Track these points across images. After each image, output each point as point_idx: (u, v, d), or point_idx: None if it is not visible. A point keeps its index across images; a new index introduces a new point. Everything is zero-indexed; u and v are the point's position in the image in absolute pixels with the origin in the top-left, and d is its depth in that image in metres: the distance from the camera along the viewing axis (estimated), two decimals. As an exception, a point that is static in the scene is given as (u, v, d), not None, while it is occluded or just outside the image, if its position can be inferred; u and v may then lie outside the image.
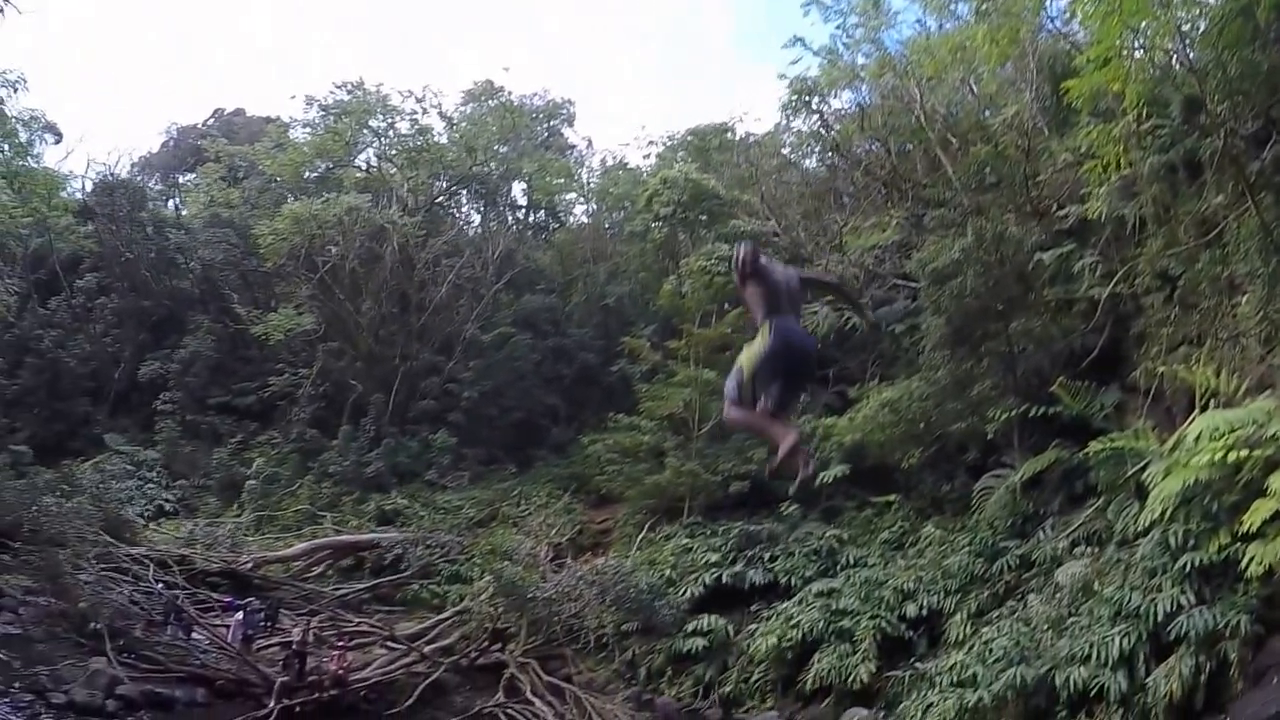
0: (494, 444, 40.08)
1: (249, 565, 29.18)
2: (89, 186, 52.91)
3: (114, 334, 48.20)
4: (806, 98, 33.37)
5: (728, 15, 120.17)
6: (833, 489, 28.10)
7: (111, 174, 52.78)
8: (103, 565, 24.09)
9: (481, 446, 39.78)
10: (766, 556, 26.13)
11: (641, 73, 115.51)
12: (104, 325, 48.34)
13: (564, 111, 53.64)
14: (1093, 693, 15.62)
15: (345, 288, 40.33)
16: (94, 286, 49.31)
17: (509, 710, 21.43)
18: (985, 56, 26.16)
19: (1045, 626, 17.83)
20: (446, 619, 26.44)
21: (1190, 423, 16.73)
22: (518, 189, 52.93)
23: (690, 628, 24.21)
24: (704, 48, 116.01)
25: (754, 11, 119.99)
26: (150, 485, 39.31)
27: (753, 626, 23.88)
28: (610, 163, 54.49)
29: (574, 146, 55.42)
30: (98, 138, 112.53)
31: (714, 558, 26.43)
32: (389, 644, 24.77)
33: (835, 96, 34.21)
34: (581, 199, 55.36)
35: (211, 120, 68.05)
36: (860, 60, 32.19)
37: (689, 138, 46.61)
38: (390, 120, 46.16)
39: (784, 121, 39.36)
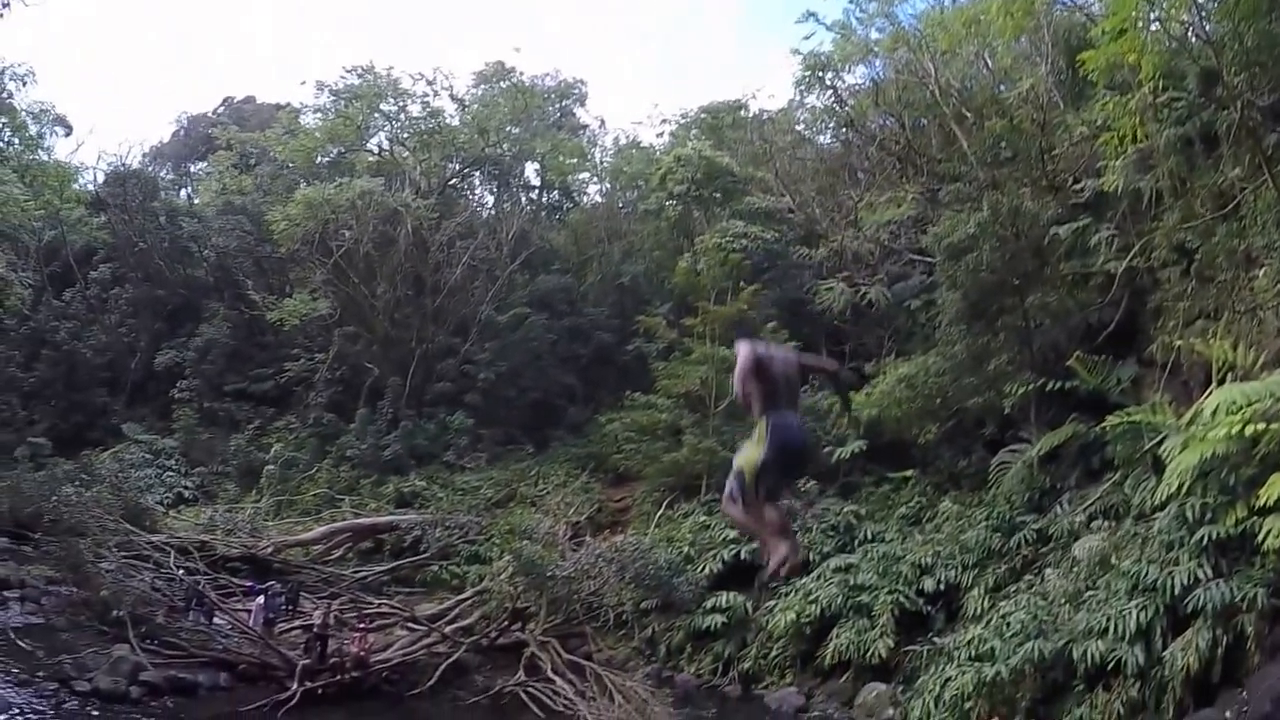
0: (511, 424, 40.19)
1: (269, 550, 29.40)
2: (100, 178, 53.37)
3: (129, 324, 48.57)
4: (820, 73, 33.15)
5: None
6: (850, 465, 28.19)
7: (123, 165, 53.13)
8: (124, 553, 24.20)
9: (499, 427, 39.91)
10: (784, 533, 26.15)
11: (653, 51, 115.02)
12: (119, 315, 48.70)
13: (576, 91, 53.42)
14: (1110, 666, 15.70)
15: (360, 272, 40.43)
16: (108, 277, 49.67)
17: (530, 689, 21.38)
18: (1000, 30, 25.94)
19: (1062, 600, 17.93)
20: (466, 599, 26.55)
21: (1207, 396, 16.68)
22: (531, 169, 52.90)
23: (709, 604, 24.30)
24: (716, 24, 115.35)
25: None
26: (169, 473, 39.73)
27: (771, 603, 23.90)
28: (623, 142, 54.37)
29: (586, 126, 55.29)
30: (108, 129, 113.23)
31: (732, 535, 26.23)
32: (410, 625, 24.90)
33: (849, 72, 34.03)
34: (595, 178, 55.22)
35: (222, 108, 68.27)
36: (874, 35, 31.98)
37: (702, 115, 46.40)
38: (401, 104, 46.10)
39: (797, 98, 39.16)
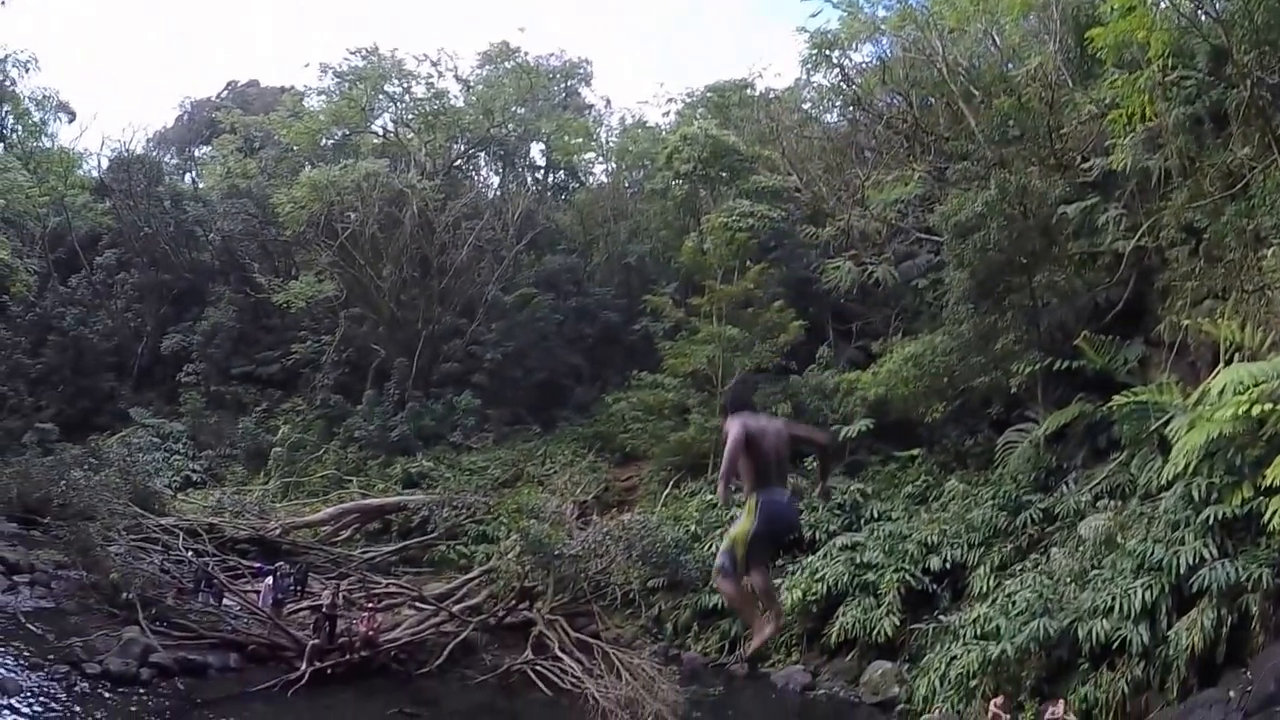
0: (518, 404, 40.24)
1: (277, 531, 29.48)
2: (104, 164, 53.31)
3: (135, 309, 48.66)
4: (827, 52, 32.99)
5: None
6: (856, 444, 28.18)
7: (127, 150, 52.98)
8: (132, 536, 24.25)
9: (505, 407, 39.97)
10: (788, 512, 26.19)
11: (659, 30, 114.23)
12: (125, 300, 48.79)
13: (581, 71, 53.18)
14: (1115, 645, 15.83)
15: (365, 253, 40.39)
16: (113, 263, 49.70)
17: (538, 667, 21.43)
18: (1008, 7, 25.86)
19: (1068, 579, 18.00)
20: (474, 579, 26.60)
21: (1214, 376, 16.69)
22: (536, 150, 52.74)
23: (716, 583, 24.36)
24: (722, 3, 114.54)
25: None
26: (177, 456, 39.92)
27: (777, 581, 23.97)
28: (629, 121, 54.10)
29: (592, 106, 55.00)
30: (112, 115, 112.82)
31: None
32: (418, 605, 24.93)
33: (856, 50, 33.83)
34: (601, 158, 54.98)
35: (225, 93, 68.17)
36: (881, 13, 31.82)
37: (708, 94, 46.07)
38: (406, 85, 46.01)
39: (804, 76, 39.07)
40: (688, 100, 48.20)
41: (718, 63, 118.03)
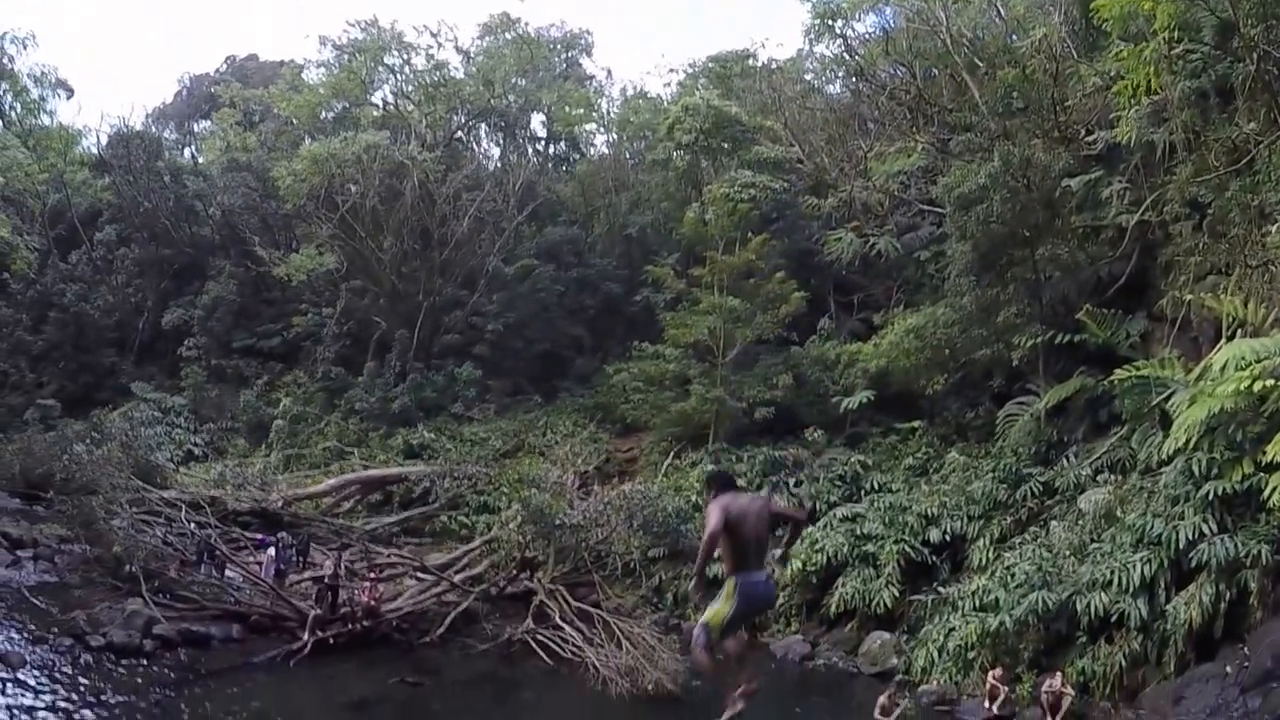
0: (519, 375, 40.30)
1: (279, 503, 29.49)
2: (104, 140, 53.22)
3: (136, 284, 48.71)
4: (830, 22, 32.80)
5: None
6: (857, 415, 28.28)
7: (126, 126, 53.00)
8: (135, 510, 24.18)
9: (507, 378, 40.02)
10: (791, 482, 26.25)
11: (660, 1, 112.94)
12: (125, 276, 48.84)
13: (582, 41, 52.86)
14: (1113, 619, 15.94)
15: (366, 226, 40.26)
16: (114, 238, 49.72)
17: (538, 636, 21.48)
18: (1013, -23, 25.62)
19: (1067, 553, 18.11)
20: (475, 549, 26.71)
21: (1217, 352, 16.69)
22: (537, 121, 52.47)
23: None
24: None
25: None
26: (178, 430, 40.13)
27: (777, 551, 24.02)
28: (630, 92, 53.80)
29: (593, 77, 54.72)
30: (110, 92, 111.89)
31: (739, 483, 26.43)
32: (419, 575, 24.98)
33: (859, 20, 33.71)
34: (602, 129, 54.74)
35: (224, 67, 67.79)
36: (884, -18, 31.62)
37: (710, 65, 45.75)
38: (405, 57, 45.82)
39: (807, 47, 38.84)
40: (689, 71, 48.04)
41: (720, 33, 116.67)
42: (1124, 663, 15.55)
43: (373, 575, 22.81)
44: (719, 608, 7.07)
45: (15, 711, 14.86)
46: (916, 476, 25.00)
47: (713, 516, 6.94)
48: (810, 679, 20.47)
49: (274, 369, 43.73)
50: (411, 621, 22.30)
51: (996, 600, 17.94)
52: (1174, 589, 15.58)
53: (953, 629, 18.66)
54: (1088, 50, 25.06)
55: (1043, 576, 17.66)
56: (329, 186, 39.44)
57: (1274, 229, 17.53)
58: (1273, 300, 17.33)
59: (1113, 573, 16.23)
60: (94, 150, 52.33)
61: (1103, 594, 16.11)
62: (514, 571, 24.83)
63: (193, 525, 24.70)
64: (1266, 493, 14.31)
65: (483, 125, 50.37)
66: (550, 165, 53.27)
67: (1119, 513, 17.87)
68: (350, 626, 21.07)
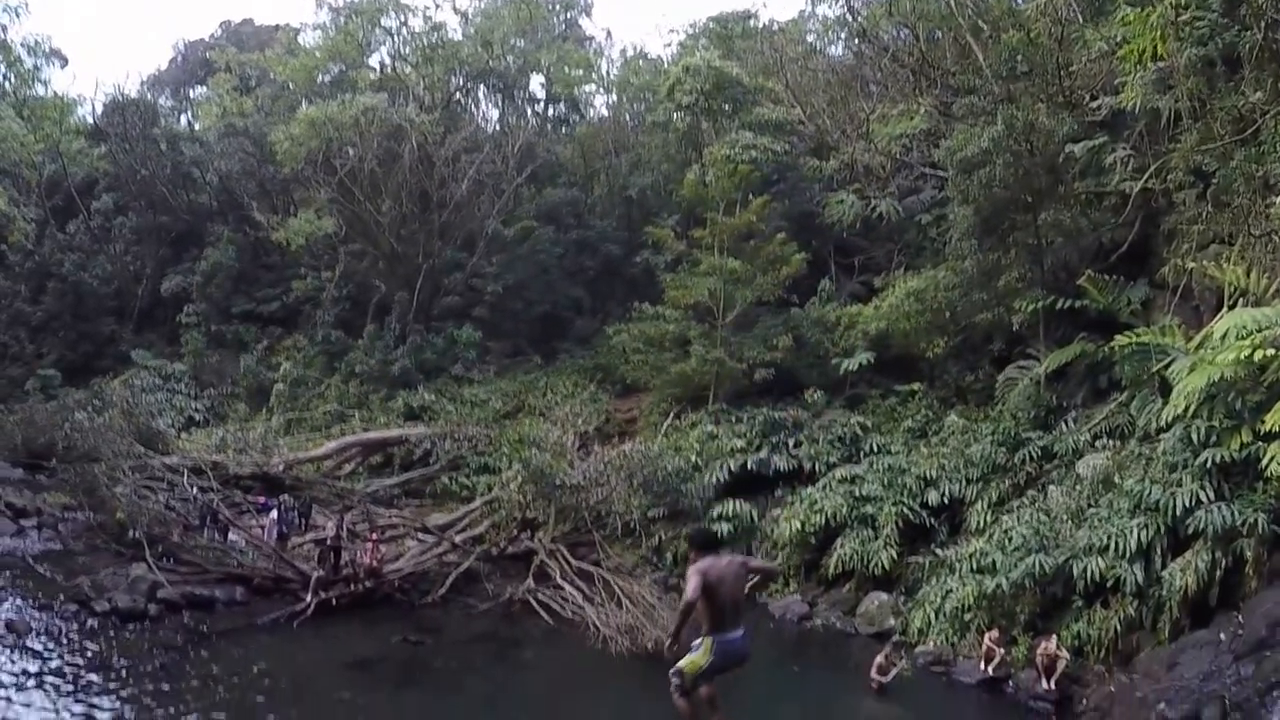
0: (519, 337, 40.36)
1: (280, 467, 29.55)
2: (99, 109, 52.85)
3: (134, 251, 48.71)
4: (832, -18, 32.46)
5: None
6: (857, 377, 28.33)
7: (121, 94, 52.47)
8: (138, 476, 24.39)
9: (507, 340, 40.09)
10: (791, 443, 26.30)
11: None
12: (123, 244, 48.81)
13: (581, 2, 52.29)
14: (1109, 584, 16.08)
15: (365, 189, 39.90)
16: (111, 207, 49.60)
17: (539, 595, 21.72)
18: (1018, -61, 25.29)
19: (1065, 517, 18.24)
20: (476, 509, 26.83)
21: (1218, 320, 16.72)
22: (536, 82, 51.85)
23: (716, 513, 24.42)
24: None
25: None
26: (179, 397, 40.43)
27: (777, 512, 24.18)
28: (630, 53, 53.27)
29: (592, 38, 54.18)
30: (105, 60, 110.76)
31: (739, 444, 26.51)
32: (420, 536, 25.20)
33: (862, -20, 33.28)
34: (601, 91, 54.24)
35: (219, 32, 67.17)
36: (888, -57, 31.12)
37: (711, 25, 45.29)
38: (403, 18, 45.31)
39: (809, 7, 38.66)
40: (690, 32, 47.54)
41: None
42: (1119, 627, 15.71)
43: (374, 536, 22.88)
44: (696, 658, 7.60)
45: (23, 677, 15.05)
46: (915, 439, 25.03)
47: (691, 583, 7.40)
48: (808, 639, 20.66)
49: (274, 333, 43.81)
50: (413, 582, 22.53)
51: (994, 563, 18.09)
52: (1170, 555, 15.69)
53: (950, 591, 18.84)
54: (1093, 14, 24.73)
55: (1040, 540, 17.80)
56: (327, 150, 39.05)
57: (1278, 200, 17.45)
58: (1275, 270, 17.28)
59: (1109, 538, 16.35)
60: (89, 119, 52.09)
61: (1099, 559, 16.23)
62: (515, 531, 24.97)
63: (195, 490, 24.81)
64: (1265, 462, 14.38)
65: (481, 87, 49.78)
66: (549, 127, 52.77)
67: (1117, 478, 17.95)
68: (352, 587, 21.32)
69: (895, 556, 21.02)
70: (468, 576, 23.08)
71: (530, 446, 26.71)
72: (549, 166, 46.14)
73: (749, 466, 25.71)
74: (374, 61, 48.06)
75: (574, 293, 41.54)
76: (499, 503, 26.29)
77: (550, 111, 53.94)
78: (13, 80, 45.07)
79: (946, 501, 21.86)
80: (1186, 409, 16.16)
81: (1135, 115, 22.06)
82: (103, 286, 46.93)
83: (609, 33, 53.91)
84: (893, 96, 31.97)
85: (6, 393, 39.73)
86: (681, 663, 7.63)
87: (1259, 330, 15.09)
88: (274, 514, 24.70)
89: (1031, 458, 21.14)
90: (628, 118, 49.78)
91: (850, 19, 33.85)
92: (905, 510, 21.77)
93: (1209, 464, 15.67)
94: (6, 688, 14.52)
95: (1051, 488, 19.71)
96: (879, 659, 16.84)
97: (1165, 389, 17.66)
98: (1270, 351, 14.67)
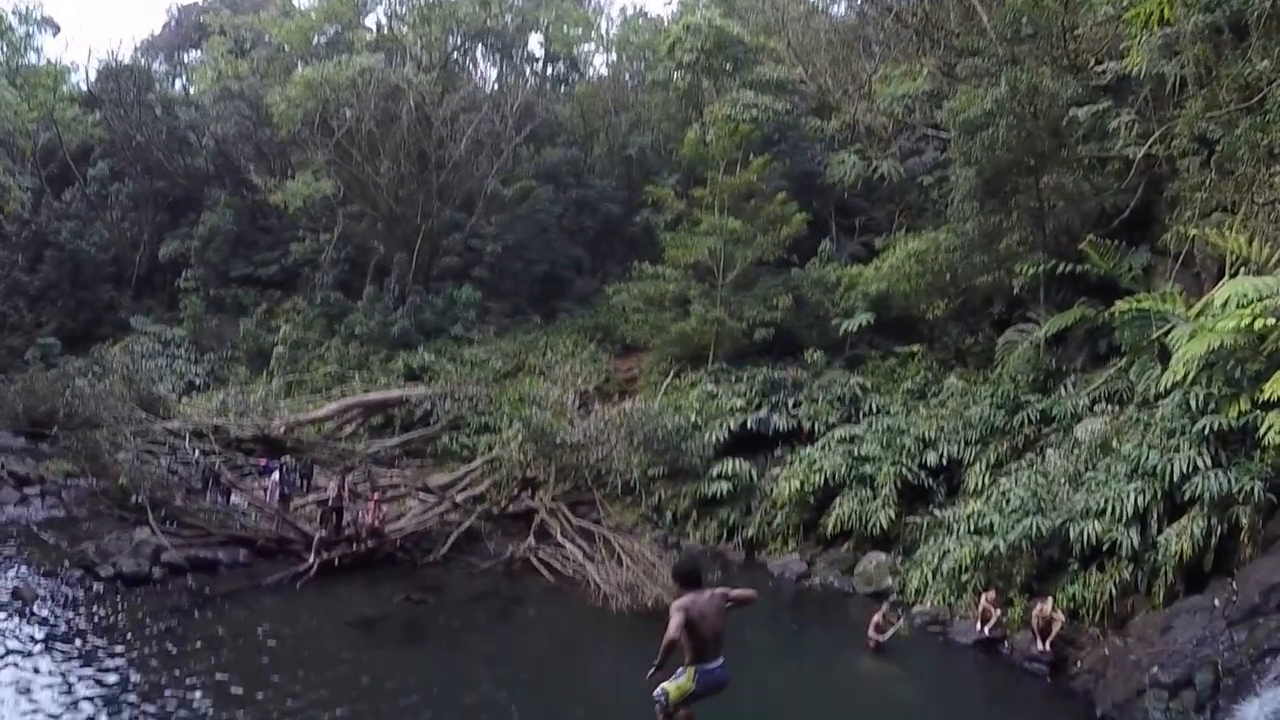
0: (519, 297, 40.29)
1: (281, 429, 29.59)
2: (92, 75, 52.11)
3: (131, 218, 48.39)
4: (836, -61, 32.04)
5: None
6: (857, 338, 28.35)
7: (115, 60, 51.72)
8: (140, 441, 24.46)
9: (506, 300, 40.03)
10: (790, 403, 26.43)
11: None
12: (120, 210, 48.52)
13: (580, -42, 51.53)
14: (1105, 547, 16.25)
15: (362, 150, 39.54)
16: (107, 173, 49.16)
17: (540, 554, 21.95)
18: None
19: (1062, 480, 18.38)
20: (476, 468, 26.98)
21: (1219, 288, 16.75)
22: (534, 41, 51.00)
23: (715, 472, 24.67)
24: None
25: None
26: (179, 362, 40.48)
27: (776, 471, 24.35)
28: (630, 11, 52.89)
29: (593, -5, 53.46)
30: (97, 26, 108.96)
31: (739, 403, 26.64)
32: (422, 495, 25.37)
33: (866, -61, 32.83)
34: (601, 49, 53.56)
35: (213, -6, 65.92)
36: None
37: (712, -18, 44.71)
38: (399, -24, 44.61)
39: (812, -35, 37.96)
40: (691, -13, 46.72)
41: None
42: (1114, 591, 15.89)
43: (376, 496, 22.99)
44: (681, 683, 8.17)
45: (31, 642, 15.25)
46: (915, 400, 25.13)
47: (674, 621, 7.82)
48: (807, 597, 20.94)
49: (273, 297, 43.68)
50: (415, 541, 22.74)
51: (991, 524, 18.25)
52: (1166, 520, 15.83)
53: (947, 551, 19.05)
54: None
55: (1037, 503, 17.97)
56: (324, 112, 38.66)
57: (1283, 169, 17.47)
58: (1277, 239, 17.27)
59: (1106, 502, 16.50)
60: (83, 86, 51.32)
61: (1096, 522, 16.39)
62: (515, 491, 25.13)
63: (197, 454, 24.96)
64: (1262, 430, 14.50)
65: (479, 46, 49.00)
66: (548, 86, 52.12)
67: (1115, 443, 18.06)
68: (355, 547, 21.53)
69: (893, 517, 21.20)
70: (469, 535, 23.30)
71: (530, 405, 26.75)
72: (548, 126, 45.70)
73: (748, 426, 25.83)
74: (370, 22, 47.49)
75: (573, 252, 41.39)
76: (499, 462, 26.49)
77: (549, 71, 53.23)
78: (4, 49, 44.62)
79: (945, 463, 21.99)
80: (1185, 376, 16.25)
81: (1140, 80, 21.90)
82: (100, 254, 46.79)
83: (609, -10, 53.51)
84: (895, 57, 31.70)
85: (6, 362, 39.71)
86: (667, 685, 8.13)
87: (1260, 299, 15.12)
88: (276, 476, 24.84)
89: (1030, 421, 21.23)
90: (627, 77, 49.25)
91: (853, -24, 33.45)
92: (904, 471, 21.91)
93: (1207, 431, 15.77)
94: (15, 654, 14.71)
95: (1049, 451, 19.82)
96: (876, 618, 17.05)
97: (1165, 355, 17.72)
98: (1270, 321, 14.73)
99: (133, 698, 13.56)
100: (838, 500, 22.33)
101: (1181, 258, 20.33)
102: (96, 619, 16.79)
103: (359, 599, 19.38)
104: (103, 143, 49.44)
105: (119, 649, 15.38)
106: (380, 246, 41.25)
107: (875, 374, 27.31)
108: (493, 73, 52.12)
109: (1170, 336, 17.40)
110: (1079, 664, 15.36)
